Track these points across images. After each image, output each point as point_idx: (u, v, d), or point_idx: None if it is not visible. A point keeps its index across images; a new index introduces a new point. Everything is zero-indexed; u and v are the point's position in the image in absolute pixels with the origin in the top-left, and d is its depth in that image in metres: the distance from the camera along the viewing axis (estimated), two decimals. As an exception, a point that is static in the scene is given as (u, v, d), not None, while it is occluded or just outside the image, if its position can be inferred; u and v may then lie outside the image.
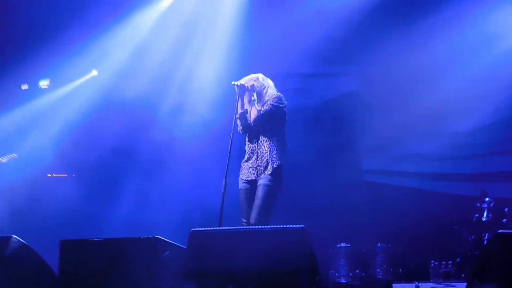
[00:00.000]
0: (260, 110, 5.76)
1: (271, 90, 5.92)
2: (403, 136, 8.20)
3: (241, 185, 5.82)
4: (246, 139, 5.93)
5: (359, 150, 8.56)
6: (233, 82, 5.83)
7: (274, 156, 5.70)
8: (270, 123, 5.78)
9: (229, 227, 4.84)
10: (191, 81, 8.52)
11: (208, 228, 4.82)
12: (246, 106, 5.88)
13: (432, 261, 6.58)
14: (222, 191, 5.51)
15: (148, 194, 8.43)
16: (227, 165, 5.58)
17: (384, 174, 8.58)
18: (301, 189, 8.04)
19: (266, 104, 5.80)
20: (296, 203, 7.86)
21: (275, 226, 4.65)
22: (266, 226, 4.74)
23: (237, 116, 5.84)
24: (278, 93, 5.90)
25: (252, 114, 5.78)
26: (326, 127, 8.64)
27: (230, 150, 5.62)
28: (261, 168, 5.69)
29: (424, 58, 8.03)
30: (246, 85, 5.83)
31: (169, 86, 8.55)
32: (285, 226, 4.61)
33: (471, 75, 7.84)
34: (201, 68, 8.46)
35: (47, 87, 8.79)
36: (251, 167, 5.75)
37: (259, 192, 5.61)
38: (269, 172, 5.66)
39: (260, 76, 5.97)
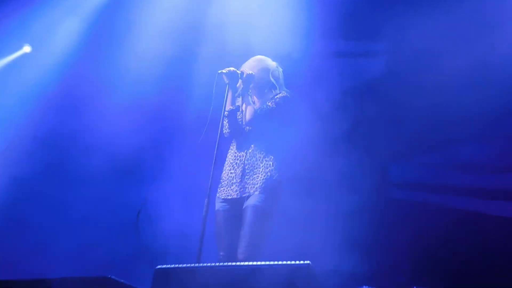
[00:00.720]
0: (258, 109, 5.80)
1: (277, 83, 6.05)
2: (448, 137, 8.17)
3: (218, 205, 5.88)
4: (233, 145, 5.95)
5: (387, 155, 8.51)
6: (220, 71, 5.87)
7: (271, 169, 5.69)
8: (270, 124, 5.85)
9: (208, 264, 4.83)
10: (173, 65, 8.55)
11: (179, 265, 4.81)
12: (239, 102, 5.95)
13: (490, 315, 6.58)
14: (204, 214, 5.46)
15: (101, 213, 8.38)
16: (211, 179, 5.55)
17: (421, 189, 8.55)
18: (307, 206, 7.98)
19: (269, 101, 5.87)
20: (300, 227, 7.81)
21: (270, 262, 4.63)
22: (257, 263, 4.71)
23: (225, 114, 5.86)
24: (287, 91, 5.99)
25: (248, 113, 5.75)
26: (344, 123, 8.56)
27: (214, 159, 5.61)
28: (250, 185, 5.70)
29: (479, 33, 7.93)
30: (238, 71, 5.89)
31: (138, 69, 8.56)
32: (284, 262, 4.57)
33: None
34: (188, 49, 8.52)
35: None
36: (234, 183, 5.75)
37: (248, 217, 5.67)
38: (261, 190, 5.64)
39: (269, 63, 6.04)
